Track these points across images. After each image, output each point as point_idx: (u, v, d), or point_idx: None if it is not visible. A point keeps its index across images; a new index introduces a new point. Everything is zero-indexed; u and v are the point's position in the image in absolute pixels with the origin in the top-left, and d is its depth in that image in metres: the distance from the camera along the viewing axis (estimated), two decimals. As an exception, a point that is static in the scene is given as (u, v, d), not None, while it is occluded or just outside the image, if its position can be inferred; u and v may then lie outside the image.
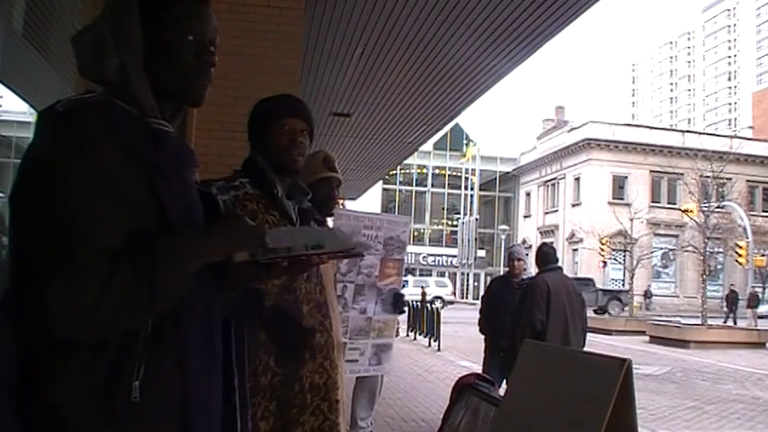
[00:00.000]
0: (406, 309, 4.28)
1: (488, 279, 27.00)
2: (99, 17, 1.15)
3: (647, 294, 35.47)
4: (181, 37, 1.19)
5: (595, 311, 27.06)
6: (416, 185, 48.56)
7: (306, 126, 1.94)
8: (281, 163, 1.90)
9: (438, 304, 14.12)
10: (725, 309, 28.17)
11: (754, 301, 25.63)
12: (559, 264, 5.30)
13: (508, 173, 48.58)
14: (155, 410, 1.02)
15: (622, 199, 35.98)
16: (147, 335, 1.03)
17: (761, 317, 26.65)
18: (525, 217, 46.31)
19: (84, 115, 1.03)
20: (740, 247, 23.67)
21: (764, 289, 34.46)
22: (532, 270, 5.31)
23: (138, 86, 1.12)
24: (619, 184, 38.08)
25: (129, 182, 1.04)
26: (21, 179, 1.02)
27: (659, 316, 27.50)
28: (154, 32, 1.15)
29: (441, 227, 49.03)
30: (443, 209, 48.86)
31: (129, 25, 1.13)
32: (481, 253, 43.64)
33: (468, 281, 42.31)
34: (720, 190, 27.29)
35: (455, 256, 43.47)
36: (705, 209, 23.16)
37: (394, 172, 38.44)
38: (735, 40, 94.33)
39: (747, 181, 37.43)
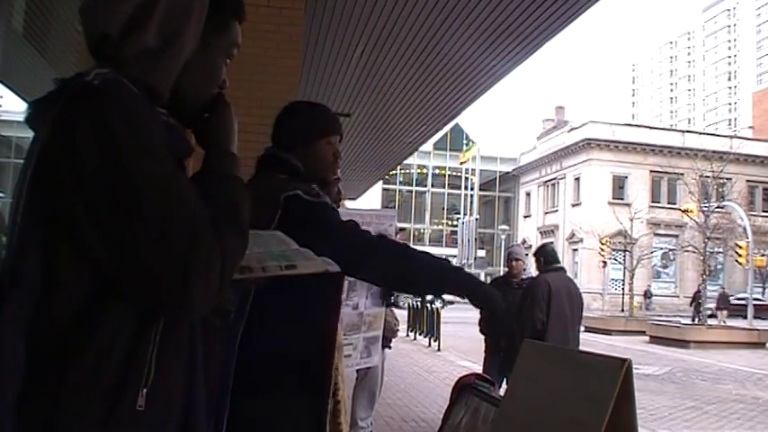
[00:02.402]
0: (392, 299, 4.29)
1: (488, 279, 27.00)
2: None
3: (647, 294, 35.49)
4: (223, 61, 1.15)
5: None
6: (416, 185, 48.58)
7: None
8: (324, 176, 1.87)
9: (438, 304, 14.11)
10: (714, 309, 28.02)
11: (723, 302, 25.46)
12: (561, 264, 5.32)
13: (508, 173, 48.60)
14: (157, 416, 0.96)
15: (622, 199, 36.01)
16: (157, 339, 0.95)
17: (760, 317, 26.62)
18: (525, 217, 46.32)
19: (124, 85, 0.95)
20: (740, 247, 23.67)
21: (764, 289, 34.47)
22: (532, 270, 5.31)
23: (164, 79, 1.04)
24: (619, 184, 38.11)
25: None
26: (80, 165, 0.89)
27: (659, 316, 27.51)
28: (202, 45, 1.09)
29: (441, 227, 49.05)
30: (443, 209, 48.89)
31: (189, 25, 1.05)
32: (481, 253, 43.63)
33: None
34: (720, 190, 27.32)
35: (455, 257, 43.43)
36: (705, 209, 23.17)
37: (394, 172, 38.45)
38: (735, 40, 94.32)
39: (747, 181, 37.48)
